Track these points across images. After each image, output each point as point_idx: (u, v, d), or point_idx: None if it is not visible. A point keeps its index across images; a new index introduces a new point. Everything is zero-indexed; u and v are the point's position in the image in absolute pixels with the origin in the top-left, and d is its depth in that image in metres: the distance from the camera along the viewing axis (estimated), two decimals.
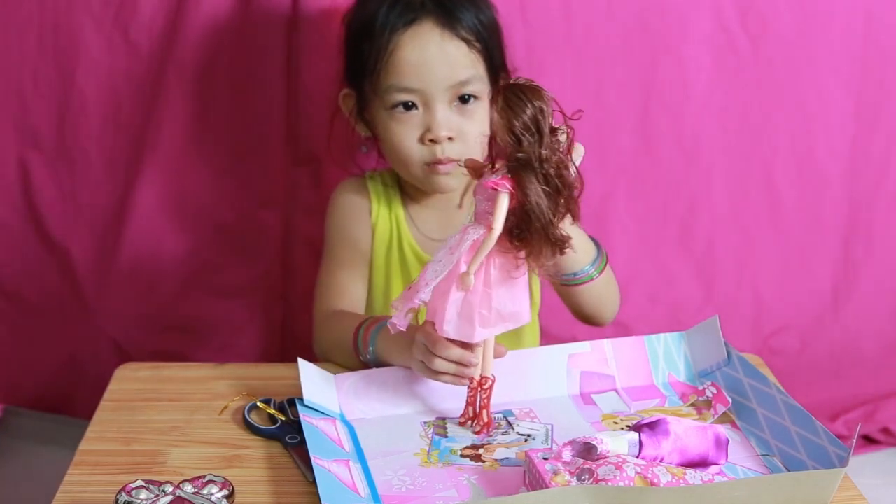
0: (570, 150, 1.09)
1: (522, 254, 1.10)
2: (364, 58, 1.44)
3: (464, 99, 1.41)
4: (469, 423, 1.19)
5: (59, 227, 1.84)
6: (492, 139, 1.10)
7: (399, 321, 1.11)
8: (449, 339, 1.14)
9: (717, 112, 1.82)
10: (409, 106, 1.41)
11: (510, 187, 1.07)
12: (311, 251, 1.79)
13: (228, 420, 1.22)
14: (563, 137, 1.08)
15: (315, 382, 1.19)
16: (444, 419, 1.20)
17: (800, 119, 1.84)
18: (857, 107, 1.85)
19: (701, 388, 1.25)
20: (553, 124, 1.08)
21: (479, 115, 1.41)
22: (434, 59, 1.40)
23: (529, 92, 1.07)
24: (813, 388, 1.89)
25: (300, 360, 1.19)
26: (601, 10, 1.75)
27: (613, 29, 1.76)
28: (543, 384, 1.25)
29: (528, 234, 1.08)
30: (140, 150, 1.77)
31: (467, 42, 1.41)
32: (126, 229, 1.80)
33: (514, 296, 1.13)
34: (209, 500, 1.01)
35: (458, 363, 1.15)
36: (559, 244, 1.09)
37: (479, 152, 1.28)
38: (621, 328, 1.85)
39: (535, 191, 1.07)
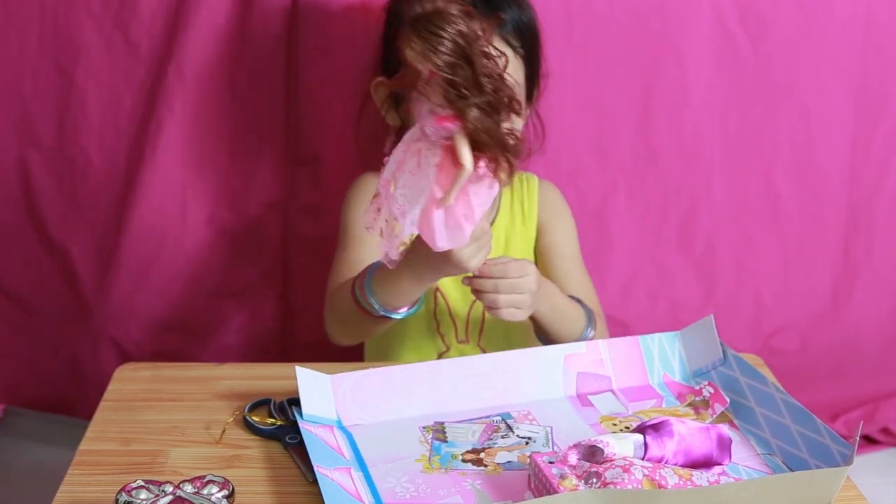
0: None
1: (482, 164, 1.10)
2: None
3: None
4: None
5: (59, 227, 1.84)
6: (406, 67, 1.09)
7: (395, 256, 1.17)
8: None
9: (717, 112, 1.82)
10: None
11: (458, 124, 1.07)
12: (311, 251, 1.79)
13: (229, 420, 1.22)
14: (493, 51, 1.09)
15: (313, 390, 1.18)
16: (442, 423, 1.19)
17: (800, 119, 1.84)
18: (857, 107, 1.85)
19: (697, 387, 1.24)
20: (481, 43, 1.07)
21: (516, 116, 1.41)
22: None
23: (440, 20, 1.05)
24: (813, 387, 1.89)
25: (297, 368, 1.19)
26: (601, 10, 1.75)
27: (613, 29, 1.76)
28: (540, 385, 1.24)
29: (481, 153, 1.09)
30: (140, 151, 1.77)
31: (512, 47, 1.42)
32: (126, 229, 1.80)
33: (481, 186, 1.13)
34: (209, 500, 1.01)
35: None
36: (513, 149, 1.11)
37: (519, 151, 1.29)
38: (622, 328, 1.86)
39: (479, 120, 1.07)
